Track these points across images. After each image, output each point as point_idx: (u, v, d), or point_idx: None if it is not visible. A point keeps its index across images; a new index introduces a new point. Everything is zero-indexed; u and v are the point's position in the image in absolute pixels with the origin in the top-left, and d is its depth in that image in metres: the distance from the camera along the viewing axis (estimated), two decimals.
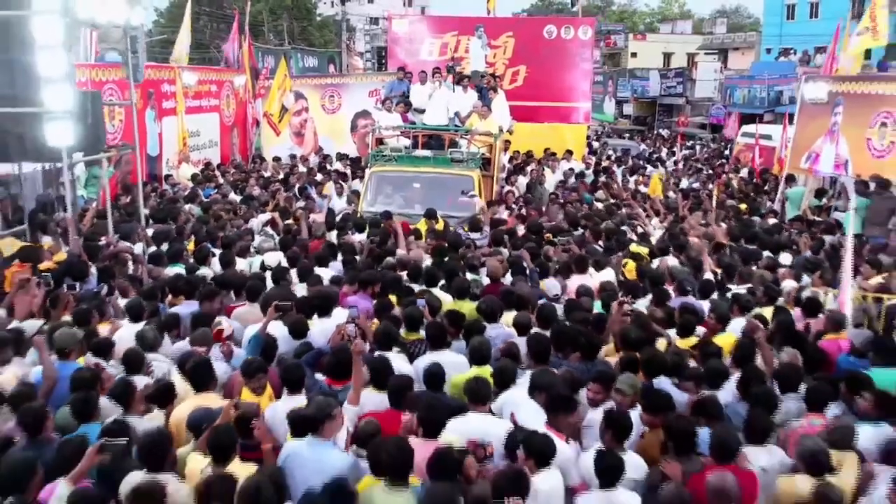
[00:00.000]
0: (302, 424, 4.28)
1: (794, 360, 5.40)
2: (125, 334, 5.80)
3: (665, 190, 13.79)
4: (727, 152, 25.74)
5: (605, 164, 19.58)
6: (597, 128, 38.73)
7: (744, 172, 18.64)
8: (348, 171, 15.39)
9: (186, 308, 6.54)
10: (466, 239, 9.00)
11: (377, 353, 5.22)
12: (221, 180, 14.19)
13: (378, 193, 11.28)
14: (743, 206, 12.35)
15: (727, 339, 5.95)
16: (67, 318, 5.99)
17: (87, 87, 10.22)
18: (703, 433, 4.35)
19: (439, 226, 9.83)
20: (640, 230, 10.18)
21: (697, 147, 30.61)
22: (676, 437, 4.20)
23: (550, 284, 7.56)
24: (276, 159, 17.36)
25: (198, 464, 4.08)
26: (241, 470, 3.89)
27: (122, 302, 6.59)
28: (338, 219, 10.28)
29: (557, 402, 4.46)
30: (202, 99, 16.37)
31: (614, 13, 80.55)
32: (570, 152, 18.27)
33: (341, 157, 17.47)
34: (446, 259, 7.84)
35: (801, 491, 4.08)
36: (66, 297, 6.47)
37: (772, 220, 11.64)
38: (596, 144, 27.70)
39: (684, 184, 16.80)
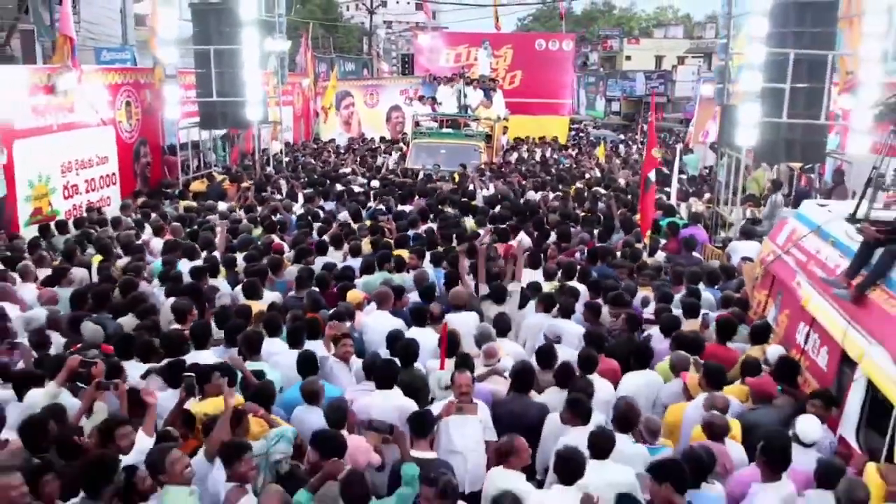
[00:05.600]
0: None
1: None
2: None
3: (611, 158, 19.90)
4: None
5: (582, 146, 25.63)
6: (589, 122, 44.65)
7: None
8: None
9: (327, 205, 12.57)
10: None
11: None
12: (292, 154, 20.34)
13: (417, 157, 17.25)
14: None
15: None
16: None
17: None
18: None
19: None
20: (587, 176, 16.24)
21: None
22: (562, 237, 10.11)
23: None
24: (331, 141, 23.41)
25: None
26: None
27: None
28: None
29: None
30: (283, 95, 22.33)
31: (614, 17, 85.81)
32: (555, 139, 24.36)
33: (383, 139, 23.49)
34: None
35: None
36: (270, 199, 12.47)
37: (684, 176, 17.72)
38: (582, 135, 33.77)
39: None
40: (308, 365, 5.43)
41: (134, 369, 5.55)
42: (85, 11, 19.02)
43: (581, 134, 33.53)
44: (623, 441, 4.72)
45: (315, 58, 25.42)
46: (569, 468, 4.27)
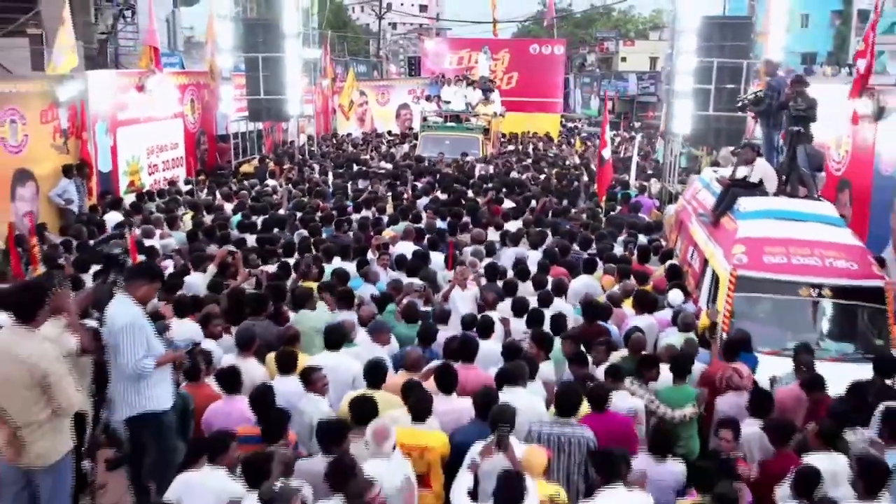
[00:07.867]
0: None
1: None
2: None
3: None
4: None
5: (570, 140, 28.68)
6: (584, 120, 47.75)
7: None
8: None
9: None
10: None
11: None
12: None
13: (426, 146, 20.31)
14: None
15: None
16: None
17: None
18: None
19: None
20: (568, 162, 19.33)
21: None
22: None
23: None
24: (348, 135, 26.49)
25: None
26: None
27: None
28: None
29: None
30: (306, 94, 25.42)
31: (611, 19, 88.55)
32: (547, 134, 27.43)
33: (390, 133, 26.56)
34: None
35: None
36: (310, 177, 15.53)
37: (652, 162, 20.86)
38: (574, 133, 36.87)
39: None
40: (363, 264, 8.55)
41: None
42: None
43: (573, 132, 36.67)
44: (560, 301, 7.82)
45: (333, 61, 28.48)
46: (530, 316, 7.34)
